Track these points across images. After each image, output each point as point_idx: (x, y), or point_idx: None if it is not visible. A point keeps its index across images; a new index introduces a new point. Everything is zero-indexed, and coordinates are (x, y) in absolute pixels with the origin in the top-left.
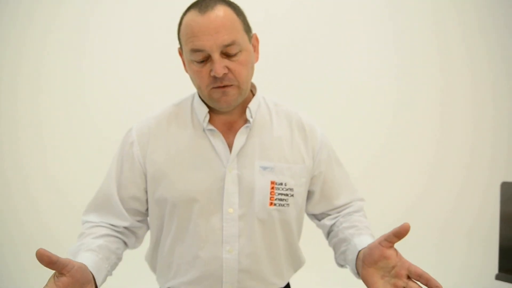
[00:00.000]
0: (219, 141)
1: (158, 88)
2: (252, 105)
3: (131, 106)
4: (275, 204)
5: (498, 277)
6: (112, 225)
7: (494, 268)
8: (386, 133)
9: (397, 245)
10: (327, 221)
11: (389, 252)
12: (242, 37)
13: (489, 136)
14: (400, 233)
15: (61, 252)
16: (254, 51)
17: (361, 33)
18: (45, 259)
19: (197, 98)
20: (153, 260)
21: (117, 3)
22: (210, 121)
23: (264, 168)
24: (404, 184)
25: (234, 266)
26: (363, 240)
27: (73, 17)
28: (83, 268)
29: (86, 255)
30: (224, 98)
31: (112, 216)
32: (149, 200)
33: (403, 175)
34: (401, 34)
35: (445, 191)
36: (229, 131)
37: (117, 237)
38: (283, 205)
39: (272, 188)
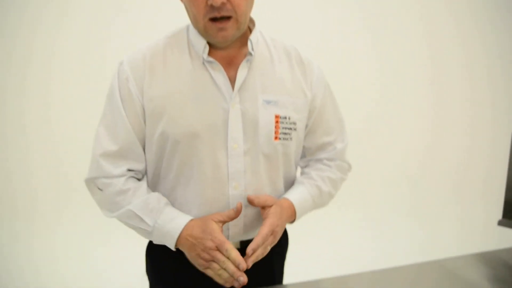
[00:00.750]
0: (220, 74)
1: None
2: (253, 37)
3: None
4: (280, 138)
5: (500, 223)
6: (135, 171)
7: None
8: (389, 92)
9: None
10: (301, 163)
11: (265, 212)
12: None
13: (489, 94)
14: (252, 203)
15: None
16: None
17: (362, 32)
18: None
19: (192, 30)
20: None
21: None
22: (208, 54)
23: (268, 102)
24: (411, 138)
25: (241, 202)
26: (294, 190)
27: (82, 12)
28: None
29: (176, 212)
30: (221, 33)
31: (131, 160)
32: (147, 137)
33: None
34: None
35: (453, 147)
36: (229, 66)
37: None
38: (287, 139)
39: (277, 122)
